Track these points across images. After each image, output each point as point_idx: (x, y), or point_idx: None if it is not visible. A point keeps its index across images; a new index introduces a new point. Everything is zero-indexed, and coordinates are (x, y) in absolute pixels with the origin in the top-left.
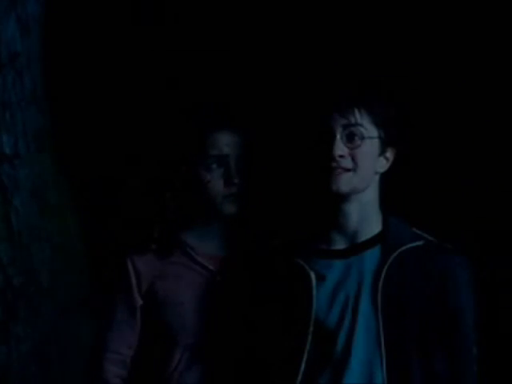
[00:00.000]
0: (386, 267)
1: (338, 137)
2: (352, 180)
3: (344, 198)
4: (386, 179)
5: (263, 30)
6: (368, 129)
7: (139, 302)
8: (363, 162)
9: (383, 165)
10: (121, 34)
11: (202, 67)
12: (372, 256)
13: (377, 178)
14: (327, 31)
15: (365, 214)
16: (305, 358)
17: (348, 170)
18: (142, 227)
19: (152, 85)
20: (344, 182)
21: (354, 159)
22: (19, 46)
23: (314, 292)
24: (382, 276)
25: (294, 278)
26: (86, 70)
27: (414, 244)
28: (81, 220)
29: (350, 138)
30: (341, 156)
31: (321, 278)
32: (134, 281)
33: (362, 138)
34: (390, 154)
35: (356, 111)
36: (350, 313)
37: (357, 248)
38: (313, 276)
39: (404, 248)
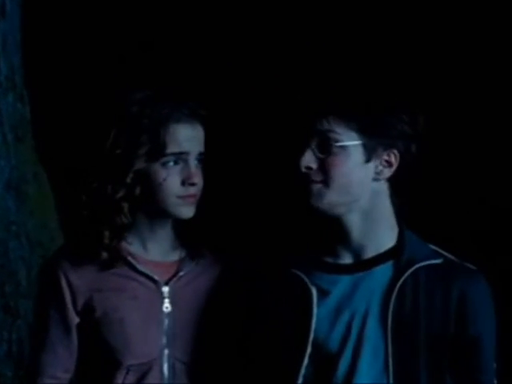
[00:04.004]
0: (398, 286)
1: (310, 145)
2: (325, 194)
3: (325, 214)
4: (402, 187)
5: (241, 26)
6: (343, 134)
7: (75, 319)
8: (337, 173)
9: (380, 171)
10: (103, 22)
11: (172, 53)
12: (383, 273)
13: (379, 185)
14: (307, 33)
15: (370, 227)
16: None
17: (319, 183)
18: (92, 232)
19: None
20: (316, 197)
21: (325, 171)
22: None
23: (315, 309)
24: (394, 295)
25: (293, 292)
26: (69, 57)
27: (430, 262)
28: (61, 214)
29: (324, 146)
30: (308, 168)
31: (323, 294)
32: (68, 296)
33: (337, 145)
34: (390, 158)
35: (329, 117)
36: (355, 334)
37: (365, 263)
38: (314, 291)
39: (419, 265)
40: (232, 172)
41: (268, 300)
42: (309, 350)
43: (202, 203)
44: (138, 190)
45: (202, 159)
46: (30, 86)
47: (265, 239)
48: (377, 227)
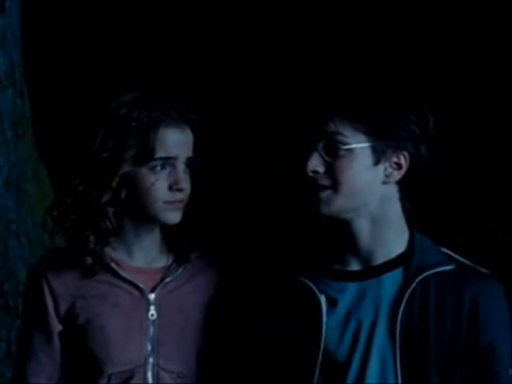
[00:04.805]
0: (407, 294)
1: (316, 148)
2: (333, 200)
3: (334, 220)
4: (413, 190)
5: (245, 25)
6: (350, 136)
7: (58, 327)
8: (345, 176)
9: (389, 173)
10: (103, 18)
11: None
12: (392, 280)
13: (388, 188)
14: (313, 34)
15: (379, 232)
16: None
17: (327, 188)
18: (77, 236)
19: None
20: (324, 203)
21: (333, 175)
22: None
23: (324, 319)
24: (403, 304)
25: (301, 301)
26: (69, 54)
27: (442, 268)
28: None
29: (331, 149)
30: (315, 172)
31: (332, 303)
32: (50, 304)
33: (344, 147)
34: (399, 160)
35: (336, 118)
36: (363, 344)
37: (374, 270)
38: (323, 300)
39: (429, 272)
40: (238, 177)
41: (276, 310)
42: (320, 359)
43: (202, 208)
44: (123, 194)
45: (190, 164)
46: (30, 82)
47: (272, 246)
48: (386, 232)
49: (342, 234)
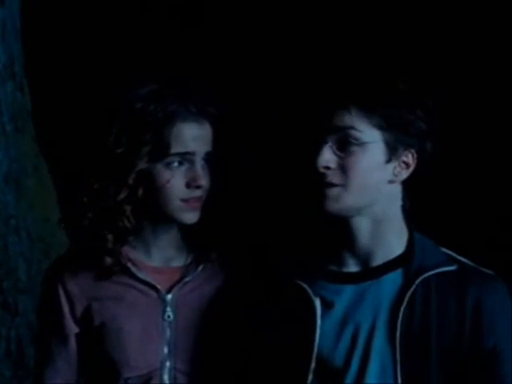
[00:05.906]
0: (407, 296)
1: (327, 143)
2: (342, 197)
3: (339, 217)
4: (414, 189)
5: (252, 17)
6: (365, 132)
7: (74, 329)
8: (357, 174)
9: (398, 172)
10: (106, 10)
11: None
12: (392, 282)
13: (393, 188)
14: (321, 27)
15: (379, 232)
16: None
17: (336, 185)
18: (94, 236)
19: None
20: (332, 200)
21: (344, 171)
22: None
23: (318, 322)
24: (403, 306)
25: (295, 304)
26: (71, 45)
27: (443, 269)
28: (62, 208)
29: (343, 144)
30: (326, 168)
31: (328, 306)
32: (65, 306)
33: (358, 143)
34: (408, 159)
35: (351, 111)
36: (361, 349)
37: (373, 271)
38: (317, 303)
39: (430, 273)
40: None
41: (270, 312)
42: (313, 365)
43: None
44: (140, 192)
45: (209, 159)
46: (30, 75)
47: (266, 245)
48: (386, 232)
49: (339, 233)
